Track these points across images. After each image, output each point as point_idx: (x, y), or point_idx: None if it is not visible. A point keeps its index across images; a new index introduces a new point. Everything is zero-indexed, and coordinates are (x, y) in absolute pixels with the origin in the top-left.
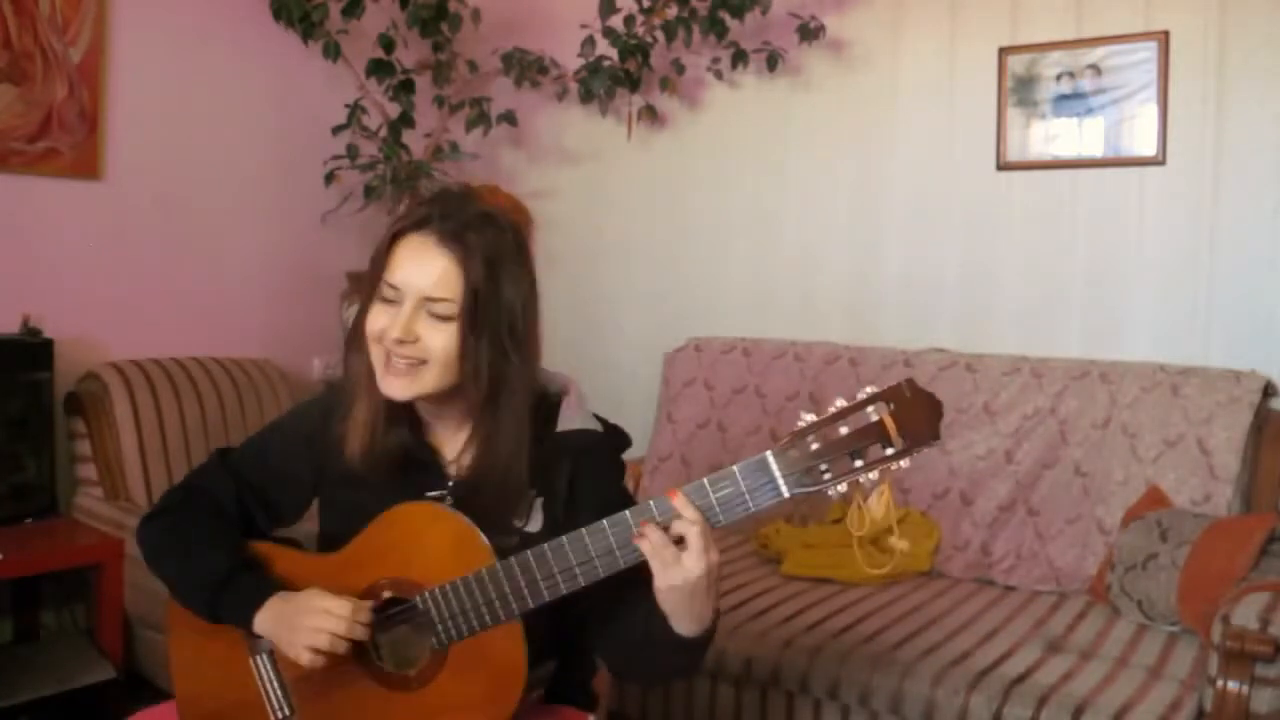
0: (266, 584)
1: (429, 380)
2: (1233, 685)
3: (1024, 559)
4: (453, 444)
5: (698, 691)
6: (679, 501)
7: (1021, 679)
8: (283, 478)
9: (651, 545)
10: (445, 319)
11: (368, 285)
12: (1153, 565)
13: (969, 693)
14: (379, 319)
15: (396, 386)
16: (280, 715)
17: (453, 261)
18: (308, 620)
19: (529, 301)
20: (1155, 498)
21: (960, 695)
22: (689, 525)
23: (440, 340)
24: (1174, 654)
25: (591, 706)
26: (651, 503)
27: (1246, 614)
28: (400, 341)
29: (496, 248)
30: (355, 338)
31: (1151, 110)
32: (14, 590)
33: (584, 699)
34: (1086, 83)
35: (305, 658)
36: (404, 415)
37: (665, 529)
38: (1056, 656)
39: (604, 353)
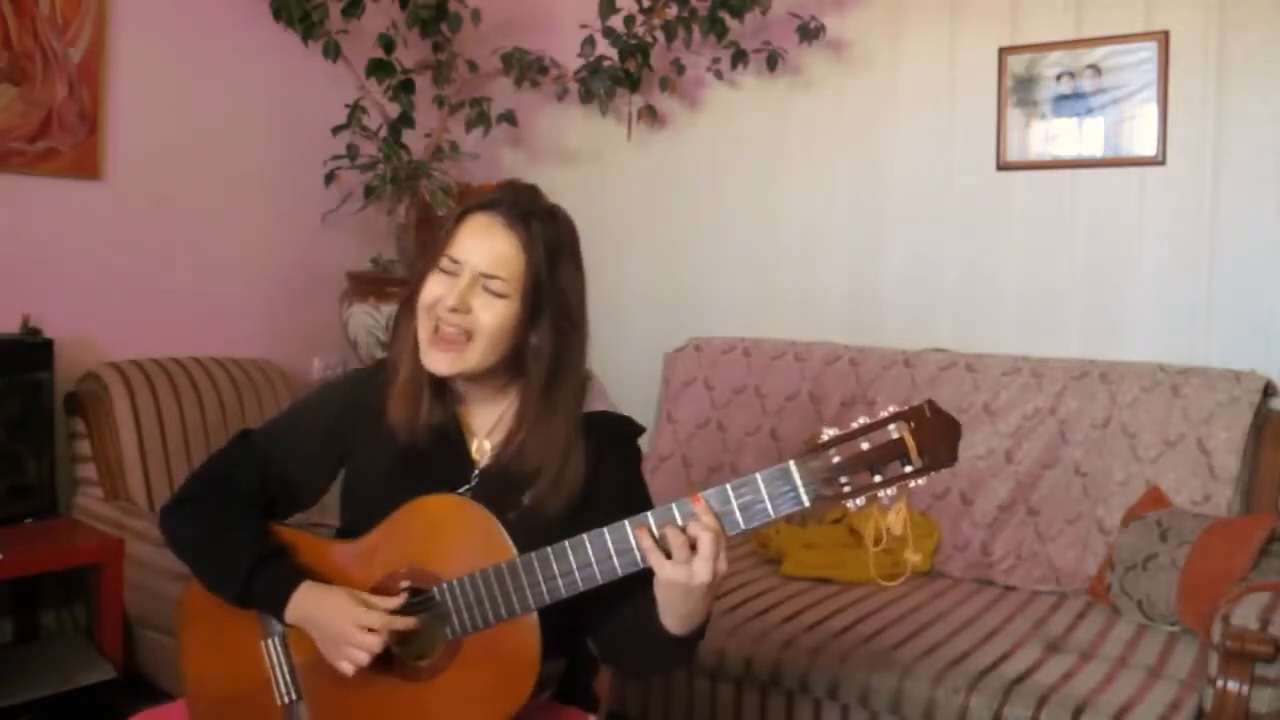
0: (295, 572)
1: (473, 356)
2: (1233, 685)
3: (1024, 559)
4: (484, 421)
5: (698, 691)
6: (700, 507)
7: (1021, 679)
8: (306, 462)
9: (663, 542)
10: (499, 296)
11: (427, 258)
12: (1153, 565)
13: (969, 693)
14: (435, 288)
15: (441, 361)
16: (287, 699)
17: (515, 243)
18: (347, 636)
19: (582, 294)
20: (1155, 498)
21: (960, 695)
22: (703, 530)
23: (490, 316)
24: (1174, 654)
25: (594, 707)
26: (674, 506)
27: (1246, 614)
28: (453, 310)
29: (558, 239)
30: (406, 308)
31: (1151, 110)
32: (14, 590)
33: (586, 700)
34: (1086, 83)
35: (347, 669)
36: (444, 386)
37: (683, 530)
38: (1056, 656)
39: (604, 352)
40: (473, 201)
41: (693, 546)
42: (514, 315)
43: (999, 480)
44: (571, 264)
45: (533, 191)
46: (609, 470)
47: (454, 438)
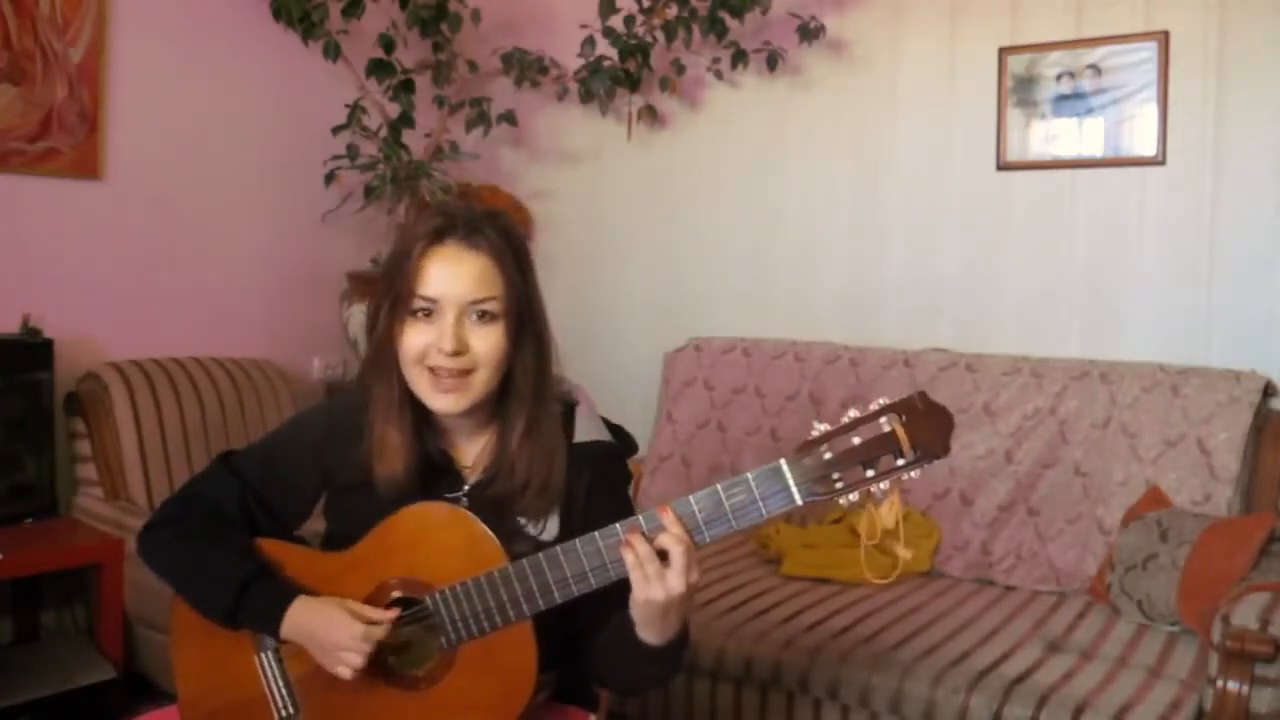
0: (287, 589)
1: (479, 387)
2: (1233, 685)
3: (1024, 559)
4: (469, 450)
5: (698, 691)
6: (668, 519)
7: (1021, 679)
8: (288, 485)
9: (636, 557)
10: (492, 317)
11: (389, 305)
12: (1153, 565)
13: (969, 693)
14: (419, 337)
15: (449, 402)
16: (284, 714)
17: (486, 259)
18: (341, 643)
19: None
20: (1155, 498)
21: (960, 695)
22: (675, 543)
23: (486, 343)
24: (1174, 654)
25: (594, 707)
26: (641, 518)
27: (1246, 614)
28: (455, 353)
29: (511, 237)
30: (379, 360)
31: (1151, 110)
32: (14, 590)
33: (587, 699)
34: (1086, 83)
35: (345, 673)
36: (427, 428)
37: (652, 543)
38: (1056, 656)
39: (604, 353)
40: (421, 237)
41: (663, 558)
42: (504, 334)
43: (999, 480)
44: (529, 260)
45: (468, 203)
46: (600, 500)
47: (442, 465)
